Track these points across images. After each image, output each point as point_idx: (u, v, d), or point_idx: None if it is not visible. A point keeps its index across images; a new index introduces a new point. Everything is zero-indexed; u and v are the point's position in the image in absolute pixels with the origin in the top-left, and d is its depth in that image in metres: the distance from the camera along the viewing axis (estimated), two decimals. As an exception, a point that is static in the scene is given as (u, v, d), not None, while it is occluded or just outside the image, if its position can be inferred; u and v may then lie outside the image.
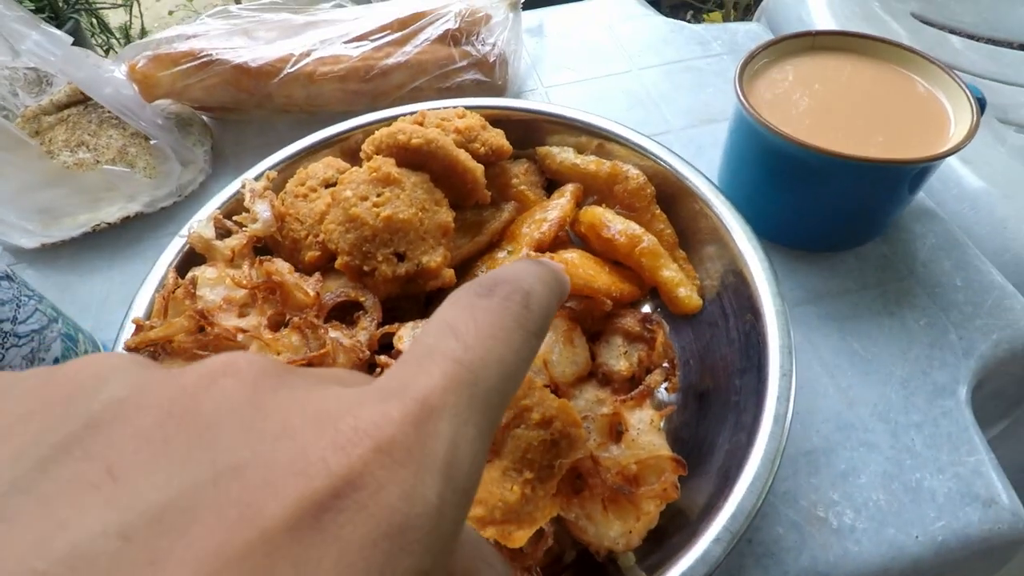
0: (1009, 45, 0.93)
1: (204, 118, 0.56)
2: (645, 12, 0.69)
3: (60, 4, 2.07)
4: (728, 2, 2.18)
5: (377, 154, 0.35)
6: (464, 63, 0.52)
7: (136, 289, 0.36)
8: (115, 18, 2.24)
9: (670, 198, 0.41)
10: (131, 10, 2.21)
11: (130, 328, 0.34)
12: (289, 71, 0.50)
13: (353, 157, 0.43)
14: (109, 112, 0.53)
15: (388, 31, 0.52)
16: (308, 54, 0.51)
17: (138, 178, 0.47)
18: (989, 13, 0.98)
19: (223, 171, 0.54)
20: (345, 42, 0.52)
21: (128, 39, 2.12)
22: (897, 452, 0.36)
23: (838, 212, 0.42)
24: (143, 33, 2.15)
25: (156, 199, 0.49)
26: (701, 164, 0.51)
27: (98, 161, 0.50)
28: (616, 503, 0.28)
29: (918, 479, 0.35)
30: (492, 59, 0.52)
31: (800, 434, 0.37)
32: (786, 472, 0.35)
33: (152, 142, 0.47)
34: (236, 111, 0.55)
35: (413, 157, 0.35)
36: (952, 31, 0.92)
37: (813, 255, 0.45)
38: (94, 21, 2.17)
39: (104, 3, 2.24)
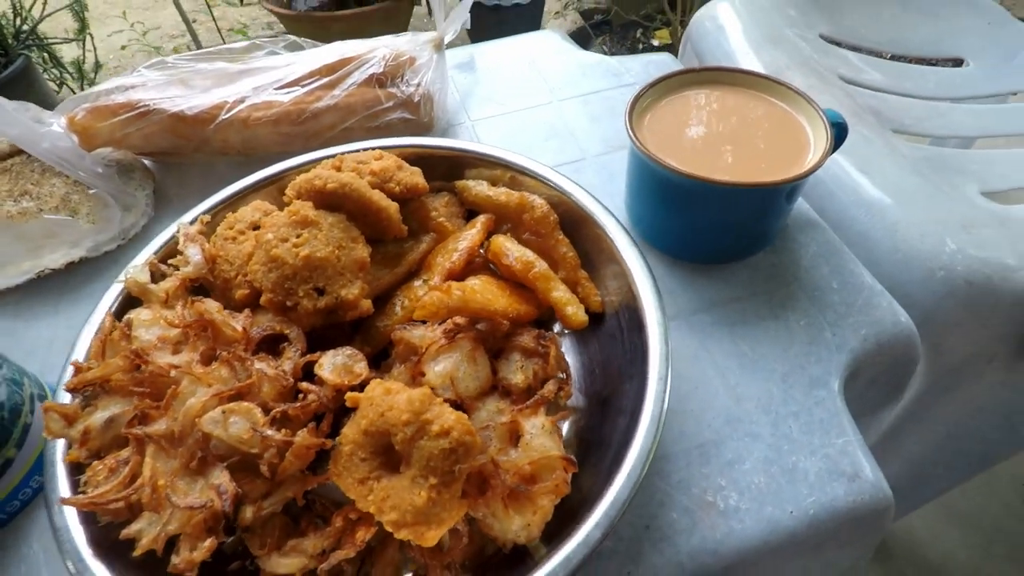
0: (909, 60, 1.02)
1: (146, 162, 0.59)
2: (567, 48, 0.74)
3: (10, 41, 2.05)
4: (675, 20, 2.28)
5: (297, 198, 0.39)
6: (390, 103, 0.56)
7: (78, 333, 0.39)
8: (68, 52, 2.23)
9: (575, 224, 0.45)
10: (84, 45, 2.21)
11: (71, 370, 0.37)
12: (224, 117, 0.53)
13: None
14: (51, 162, 0.55)
15: (317, 76, 0.56)
16: (242, 100, 0.54)
17: (80, 225, 0.50)
18: (892, 32, 1.06)
19: (166, 213, 0.57)
20: (277, 88, 0.55)
21: (81, 73, 2.11)
22: (776, 439, 0.40)
23: (722, 229, 0.47)
24: (97, 67, 2.14)
25: (99, 244, 0.52)
26: (613, 188, 0.56)
27: (41, 210, 0.52)
28: (516, 500, 0.32)
29: (794, 462, 0.39)
30: (417, 99, 0.57)
31: (694, 430, 0.41)
32: (680, 464, 0.40)
33: (91, 191, 0.50)
34: (176, 156, 0.58)
35: (330, 199, 0.38)
36: (858, 50, 1.00)
37: (710, 267, 0.49)
38: (46, 56, 2.15)
39: (56, 38, 2.23)
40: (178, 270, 0.40)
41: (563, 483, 0.32)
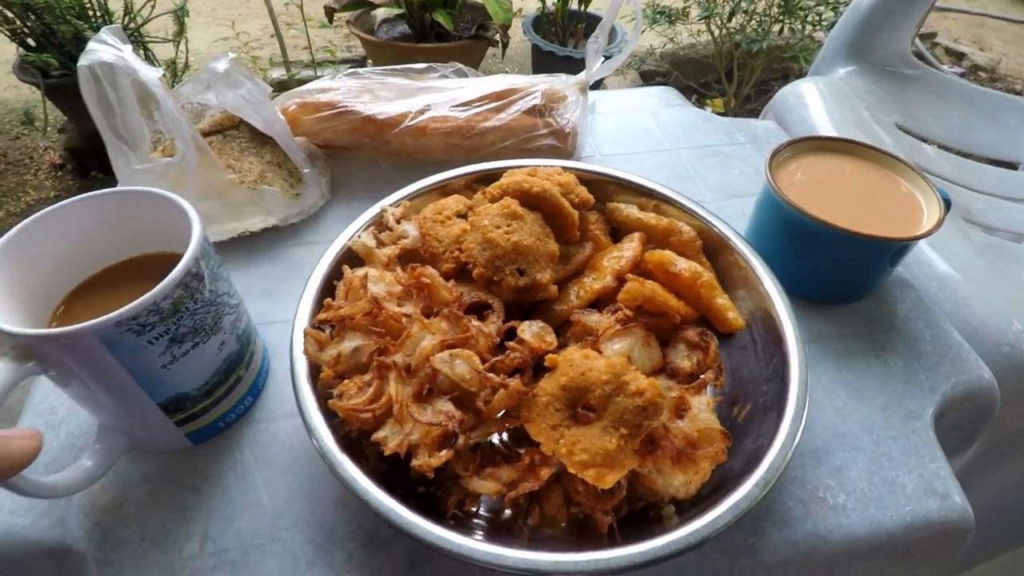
0: (974, 158, 1.10)
1: (323, 154, 0.68)
2: (681, 103, 0.84)
3: (118, 35, 2.21)
4: (729, 91, 2.41)
5: (504, 196, 0.47)
6: (544, 131, 0.65)
7: (308, 274, 0.47)
8: (162, 51, 2.40)
9: (711, 250, 0.53)
10: (177, 47, 2.38)
11: (305, 308, 0.44)
12: (407, 124, 0.63)
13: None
14: (247, 142, 0.65)
15: (487, 100, 0.65)
16: (422, 112, 0.63)
17: (280, 196, 0.59)
18: (959, 131, 1.14)
19: (336, 197, 0.66)
20: (452, 106, 0.65)
21: (175, 73, 2.26)
22: (878, 456, 0.47)
23: (838, 273, 0.54)
24: (187, 67, 2.30)
25: (288, 216, 0.60)
26: (729, 229, 0.64)
27: (243, 181, 0.61)
28: (680, 461, 0.39)
29: (893, 476, 0.45)
30: (567, 130, 0.66)
31: (807, 438, 0.47)
32: (796, 464, 0.46)
33: (305, 171, 0.59)
34: (351, 151, 0.67)
35: (532, 200, 0.47)
36: (928, 142, 1.09)
37: (819, 306, 0.56)
38: (142, 53, 2.32)
39: (156, 38, 2.41)
40: (394, 242, 0.48)
41: (721, 452, 0.39)
